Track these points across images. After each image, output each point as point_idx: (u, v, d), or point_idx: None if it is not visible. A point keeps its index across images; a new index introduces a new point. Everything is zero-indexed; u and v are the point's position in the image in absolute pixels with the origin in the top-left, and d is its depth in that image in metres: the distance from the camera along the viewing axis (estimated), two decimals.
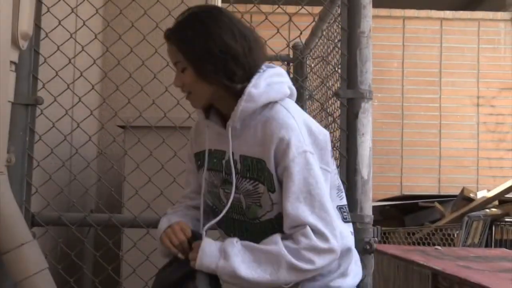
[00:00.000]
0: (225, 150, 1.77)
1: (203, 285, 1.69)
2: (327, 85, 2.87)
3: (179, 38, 1.71)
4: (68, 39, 2.55)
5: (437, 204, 5.13)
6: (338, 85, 2.51)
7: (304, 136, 1.69)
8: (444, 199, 5.34)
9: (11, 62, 2.21)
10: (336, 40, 2.62)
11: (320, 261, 1.64)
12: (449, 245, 4.71)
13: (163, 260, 2.51)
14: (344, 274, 1.82)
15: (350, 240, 1.87)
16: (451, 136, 6.87)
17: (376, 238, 2.41)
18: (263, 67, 1.76)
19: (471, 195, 4.94)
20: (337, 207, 1.85)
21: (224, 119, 1.78)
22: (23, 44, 2.25)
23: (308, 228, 1.64)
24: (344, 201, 1.93)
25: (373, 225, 2.42)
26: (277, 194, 1.70)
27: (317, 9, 3.03)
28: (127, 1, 2.73)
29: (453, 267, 2.47)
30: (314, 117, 3.31)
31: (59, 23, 2.53)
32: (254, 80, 1.70)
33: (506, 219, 4.94)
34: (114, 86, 2.58)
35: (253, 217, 1.77)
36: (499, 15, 7.12)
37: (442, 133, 6.86)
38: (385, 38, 6.89)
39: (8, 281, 2.29)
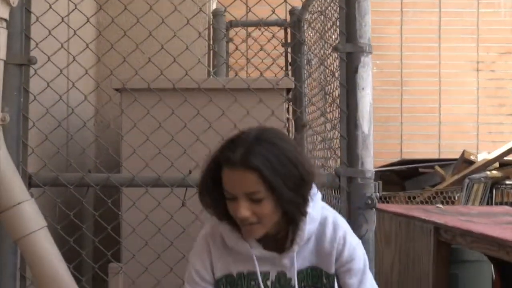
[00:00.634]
0: (268, 271, 1.75)
1: None
2: (328, 41, 2.83)
3: (263, 164, 1.56)
4: None
5: (437, 168, 5.10)
6: (338, 40, 2.47)
7: (350, 228, 1.83)
8: (444, 162, 5.32)
9: (2, 19, 2.17)
10: None
11: None
12: None
13: (163, 218, 2.51)
14: None
15: None
16: (451, 102, 6.83)
17: (377, 194, 2.40)
18: None
19: (472, 157, 4.92)
20: None
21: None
22: (14, 1, 2.20)
23: None
24: None
25: None
26: None
27: None
28: None
29: (455, 221, 2.45)
30: (313, 72, 3.27)
31: None
32: (312, 202, 1.70)
33: (507, 182, 4.93)
34: (109, 45, 2.54)
35: None
36: None
37: (441, 99, 6.81)
38: (382, 4, 6.81)
39: (7, 242, 2.28)
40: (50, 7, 2.45)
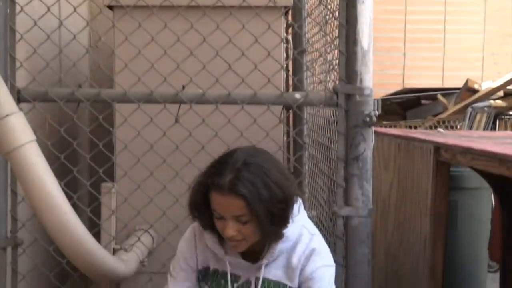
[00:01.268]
0: (239, 275, 1.86)
1: None
2: None
3: (249, 192, 1.66)
4: None
5: (440, 97, 5.01)
6: None
7: (325, 252, 1.88)
8: (447, 92, 5.23)
9: None
10: None
11: None
12: None
13: (155, 134, 2.46)
14: None
15: None
16: (456, 32, 6.67)
17: (376, 112, 2.34)
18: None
19: (476, 86, 4.82)
20: None
21: None
22: None
23: None
24: None
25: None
26: None
27: None
28: None
29: (455, 141, 2.40)
30: None
31: None
32: (292, 223, 1.79)
33: (511, 113, 4.85)
34: None
35: None
36: None
37: (446, 29, 6.65)
38: None
39: None
40: None
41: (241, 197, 1.66)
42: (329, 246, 1.98)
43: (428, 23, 6.66)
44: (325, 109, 2.76)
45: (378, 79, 5.31)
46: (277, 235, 1.78)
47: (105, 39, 2.46)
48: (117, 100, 2.34)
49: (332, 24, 2.56)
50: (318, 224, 2.79)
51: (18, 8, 2.26)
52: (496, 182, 2.87)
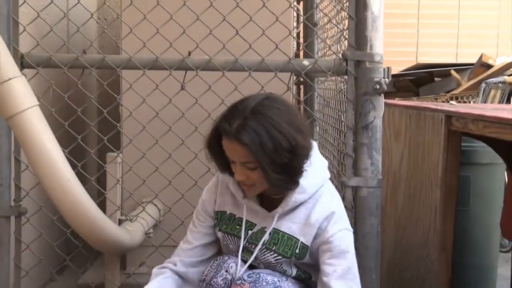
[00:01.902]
0: (254, 223, 1.88)
1: None
2: None
3: (252, 141, 1.69)
4: None
5: (453, 72, 4.92)
6: None
7: (344, 215, 1.89)
8: (461, 67, 5.13)
9: None
10: None
11: None
12: None
13: (161, 102, 2.41)
14: None
15: None
16: (471, 8, 6.53)
17: (386, 79, 2.28)
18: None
19: (490, 61, 4.72)
20: None
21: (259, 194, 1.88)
22: None
23: None
24: None
25: (385, 93, 2.30)
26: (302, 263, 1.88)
27: None
28: None
29: (467, 110, 2.34)
30: None
31: None
32: (306, 173, 1.79)
33: None
34: None
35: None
36: None
37: (461, 5, 6.52)
38: None
39: (0, 124, 2.21)
40: None
41: (244, 145, 1.69)
42: None
43: None
44: (337, 83, 2.70)
45: (391, 56, 5.22)
46: (288, 185, 1.78)
47: (111, 4, 2.39)
48: (122, 66, 2.30)
49: None
50: None
51: None
52: (510, 157, 2.80)
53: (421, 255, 2.55)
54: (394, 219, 2.84)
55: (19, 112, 2.02)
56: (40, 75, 2.30)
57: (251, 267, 1.89)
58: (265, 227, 1.87)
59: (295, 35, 3.62)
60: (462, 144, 2.55)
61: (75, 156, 2.37)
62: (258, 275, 1.81)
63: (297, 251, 1.85)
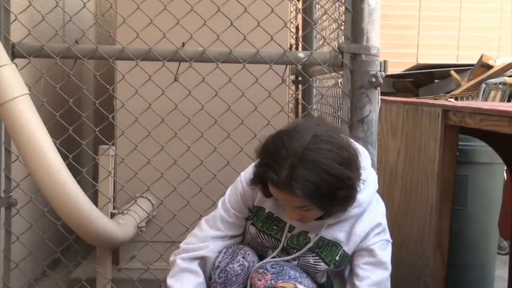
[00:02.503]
0: (295, 226, 1.81)
1: None
2: None
3: (305, 191, 1.59)
4: None
5: (453, 73, 4.88)
6: None
7: (387, 227, 1.84)
8: (461, 68, 5.09)
9: None
10: None
11: None
12: None
13: (155, 94, 2.39)
14: None
15: None
16: (472, 10, 6.50)
17: (383, 73, 2.25)
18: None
19: (490, 61, 4.68)
20: None
21: None
22: None
23: None
24: None
25: (384, 94, 2.27)
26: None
27: None
28: None
29: (464, 104, 2.31)
30: None
31: None
32: (362, 188, 1.73)
33: None
34: None
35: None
36: None
37: (462, 7, 6.49)
38: None
39: None
40: None
41: (298, 196, 1.60)
42: None
43: (443, 0, 6.51)
44: (336, 79, 2.67)
45: (392, 58, 5.18)
46: (346, 208, 1.71)
47: None
48: (114, 57, 2.27)
49: None
50: None
51: None
52: (509, 156, 2.77)
53: (417, 252, 2.51)
54: (390, 217, 2.80)
55: (9, 101, 1.99)
56: (34, 65, 2.27)
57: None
58: (307, 232, 1.81)
59: (293, 29, 3.59)
60: (461, 143, 2.52)
61: (70, 148, 2.34)
62: (281, 268, 1.78)
63: (337, 258, 1.80)
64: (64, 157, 2.16)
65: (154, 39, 2.30)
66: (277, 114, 2.41)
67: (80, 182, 2.18)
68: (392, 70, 5.59)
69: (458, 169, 2.51)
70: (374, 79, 2.21)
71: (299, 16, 3.55)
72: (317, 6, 3.41)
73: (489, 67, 4.68)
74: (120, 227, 2.47)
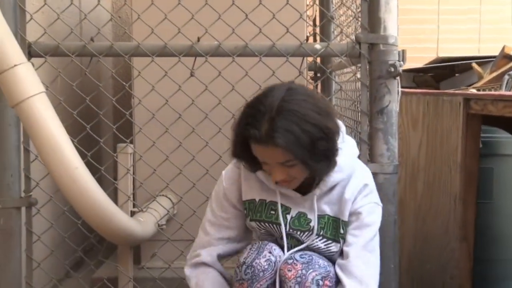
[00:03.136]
0: (290, 207, 1.83)
1: None
2: None
3: (287, 141, 1.63)
4: None
5: (474, 65, 4.80)
6: None
7: (375, 190, 1.87)
8: (483, 60, 5.01)
9: None
10: None
11: None
12: None
13: (171, 90, 2.37)
14: None
15: None
16: (492, 3, 6.41)
17: (401, 62, 2.21)
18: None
19: None
20: None
21: None
22: None
23: None
24: None
25: (405, 88, 2.23)
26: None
27: None
28: None
29: (486, 92, 2.26)
30: None
31: None
32: (341, 151, 1.75)
33: None
34: None
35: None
36: None
37: (482, 0, 6.41)
38: None
39: (9, 113, 2.18)
40: None
41: (280, 147, 1.63)
42: None
43: None
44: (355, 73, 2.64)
45: (411, 53, 5.11)
46: (329, 168, 1.75)
47: None
48: (130, 53, 2.26)
49: None
50: None
51: None
52: None
53: (441, 245, 2.47)
54: (414, 210, 2.76)
55: (26, 99, 1.99)
56: (50, 64, 2.27)
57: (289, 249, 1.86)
58: (303, 212, 1.83)
59: (310, 22, 3.56)
60: (485, 135, 2.48)
61: (90, 147, 2.34)
62: (311, 257, 1.78)
63: (341, 231, 1.82)
64: (83, 156, 2.15)
65: (169, 35, 2.28)
66: None
67: (99, 180, 2.17)
68: (412, 64, 5.53)
69: (483, 161, 2.46)
70: (392, 69, 2.17)
71: (316, 9, 3.51)
72: None
73: None
74: (140, 225, 2.46)
